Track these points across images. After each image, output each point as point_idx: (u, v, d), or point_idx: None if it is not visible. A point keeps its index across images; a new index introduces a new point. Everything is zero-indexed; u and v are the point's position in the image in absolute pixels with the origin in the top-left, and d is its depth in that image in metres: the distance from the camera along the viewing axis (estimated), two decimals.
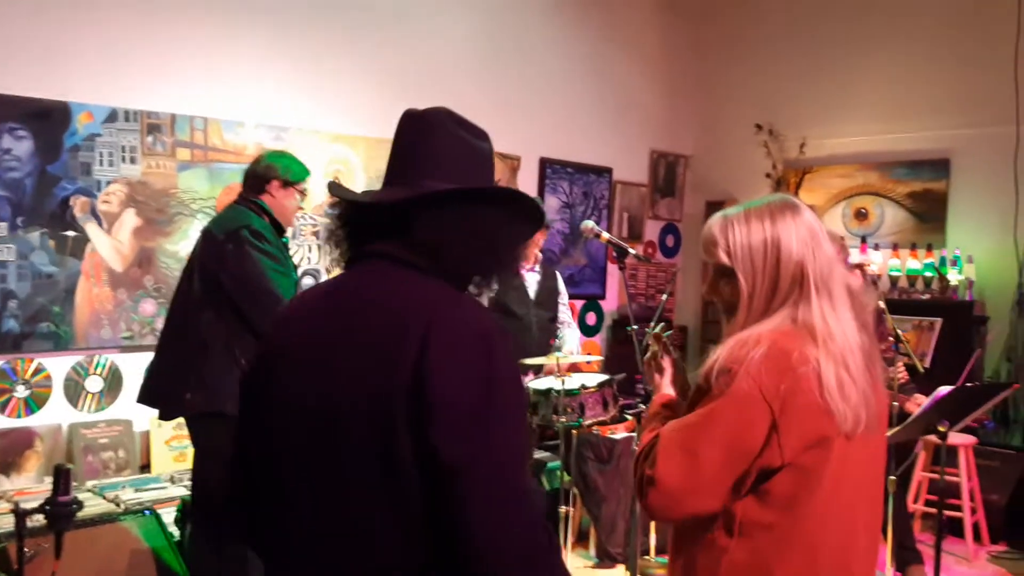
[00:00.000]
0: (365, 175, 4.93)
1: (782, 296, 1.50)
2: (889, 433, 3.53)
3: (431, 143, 1.33)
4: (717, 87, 6.90)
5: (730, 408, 1.43)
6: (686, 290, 7.06)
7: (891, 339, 4.16)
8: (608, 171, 6.49)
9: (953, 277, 5.45)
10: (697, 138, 7.02)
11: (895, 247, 5.79)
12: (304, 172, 3.30)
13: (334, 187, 1.38)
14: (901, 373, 4.23)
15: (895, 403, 4.12)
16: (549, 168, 6.05)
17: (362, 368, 1.18)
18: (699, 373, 1.50)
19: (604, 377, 3.96)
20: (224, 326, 3.03)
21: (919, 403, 3.86)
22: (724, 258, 1.53)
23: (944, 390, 3.23)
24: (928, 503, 4.74)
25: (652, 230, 6.96)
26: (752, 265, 1.51)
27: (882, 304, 4.28)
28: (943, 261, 5.53)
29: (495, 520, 1.13)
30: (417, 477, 1.13)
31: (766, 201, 1.57)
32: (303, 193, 3.31)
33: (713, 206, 6.89)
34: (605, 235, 3.57)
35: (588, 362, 4.62)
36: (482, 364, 1.16)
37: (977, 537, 4.65)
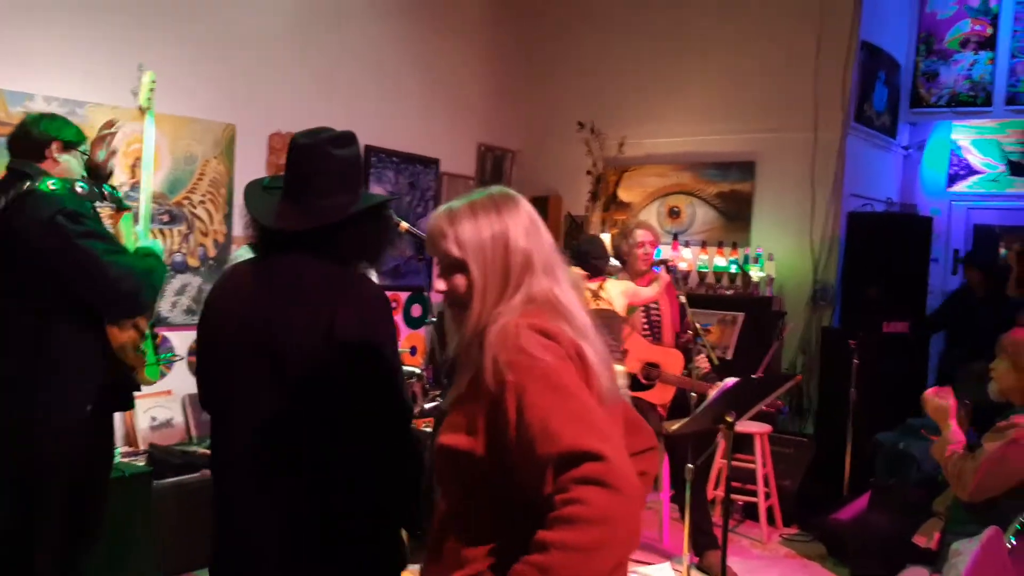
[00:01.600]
0: (171, 156, 4.65)
1: (514, 284, 1.53)
2: (677, 426, 3.68)
3: (315, 168, 1.86)
4: (544, 84, 6.99)
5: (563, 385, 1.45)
6: None
7: (690, 333, 4.34)
8: (435, 162, 6.45)
9: (755, 274, 5.75)
10: (524, 133, 7.08)
11: (704, 244, 6.05)
12: (81, 133, 3.06)
13: (251, 205, 1.91)
14: (703, 363, 4.42)
15: (694, 392, 4.31)
16: (374, 156, 5.94)
17: (299, 322, 1.77)
18: (478, 377, 1.46)
19: (412, 370, 3.92)
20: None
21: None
22: (455, 251, 1.54)
23: (730, 382, 3.37)
24: (728, 489, 4.97)
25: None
26: (484, 257, 1.53)
27: (683, 299, 4.47)
28: (747, 259, 5.82)
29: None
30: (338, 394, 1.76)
31: (487, 194, 1.60)
32: (85, 154, 3.06)
33: (538, 201, 6.98)
34: (404, 224, 3.52)
35: (411, 354, 4.57)
36: (373, 315, 1.85)
37: (771, 521, 4.92)
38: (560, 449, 1.33)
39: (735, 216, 6.12)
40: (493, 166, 7.04)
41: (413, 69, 6.20)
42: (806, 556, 4.61)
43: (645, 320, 4.54)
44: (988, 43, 6.38)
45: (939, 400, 3.27)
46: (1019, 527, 2.38)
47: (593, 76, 6.72)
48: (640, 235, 4.59)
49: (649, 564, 4.31)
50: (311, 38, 5.46)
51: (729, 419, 3.43)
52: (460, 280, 1.55)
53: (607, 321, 3.99)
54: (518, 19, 7.00)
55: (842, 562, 4.26)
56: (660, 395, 4.42)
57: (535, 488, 1.35)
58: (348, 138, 1.91)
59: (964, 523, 2.98)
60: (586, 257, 4.28)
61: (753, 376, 3.69)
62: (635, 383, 4.35)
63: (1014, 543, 2.23)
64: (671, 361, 4.43)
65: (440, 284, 1.57)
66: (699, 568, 4.11)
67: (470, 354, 1.52)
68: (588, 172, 6.59)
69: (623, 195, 6.60)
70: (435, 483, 1.55)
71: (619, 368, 4.03)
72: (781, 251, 5.85)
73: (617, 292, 4.28)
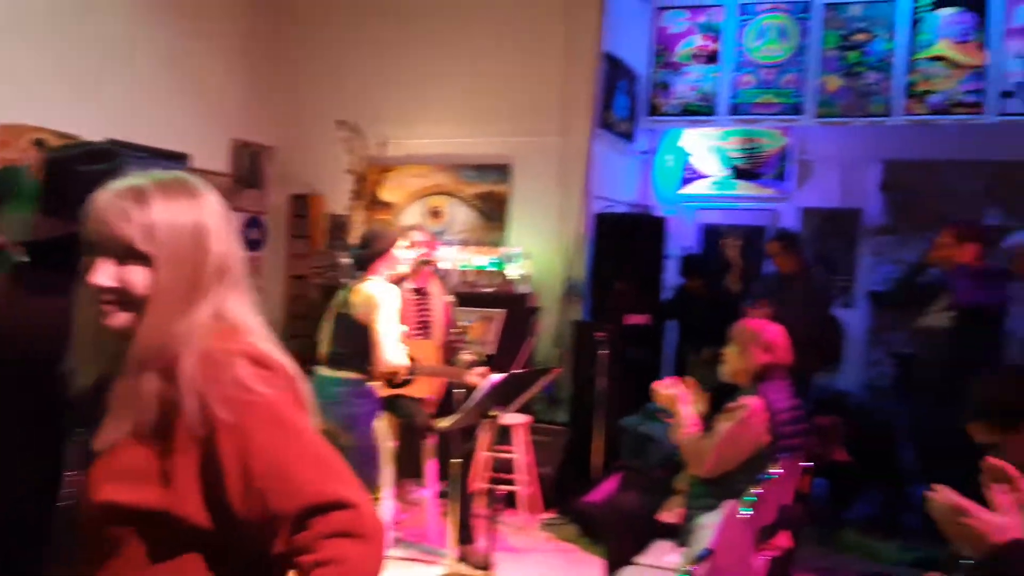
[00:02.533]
0: None
1: (203, 293, 1.25)
2: (447, 423, 3.78)
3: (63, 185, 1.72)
4: (302, 80, 6.84)
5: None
6: (271, 284, 6.91)
7: (456, 331, 4.46)
8: (185, 158, 6.12)
9: (513, 272, 5.99)
10: (282, 130, 6.89)
11: (464, 244, 6.21)
12: None
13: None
14: (471, 357, 4.54)
15: (453, 382, 4.42)
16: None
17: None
18: (169, 416, 1.19)
19: None
20: None
21: (481, 374, 4.17)
22: (140, 240, 1.22)
23: (496, 378, 3.51)
24: (491, 480, 5.15)
25: (235, 222, 6.69)
26: (178, 253, 1.24)
27: (449, 298, 4.57)
28: (504, 257, 6.05)
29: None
30: None
31: (175, 177, 1.31)
32: None
33: (299, 199, 6.83)
34: None
35: None
36: None
37: (532, 507, 5.15)
38: (304, 502, 1.15)
39: (493, 216, 6.33)
40: (250, 162, 6.79)
41: (160, 58, 5.86)
42: (563, 539, 4.87)
43: (417, 319, 4.59)
44: (713, 57, 7.03)
45: (667, 390, 3.58)
46: (750, 498, 2.69)
47: (354, 74, 6.67)
48: (414, 236, 4.64)
49: (418, 561, 4.38)
50: (55, 27, 5.02)
51: (495, 413, 3.58)
52: (137, 276, 1.22)
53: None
54: (274, 11, 6.80)
55: (596, 542, 4.54)
56: (421, 389, 4.50)
57: (265, 544, 1.17)
58: (103, 154, 1.77)
59: (702, 498, 3.30)
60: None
61: (516, 371, 3.86)
62: (394, 379, 4.39)
63: (747, 514, 2.52)
64: (425, 353, 4.51)
65: (102, 276, 1.22)
66: (464, 561, 4.22)
67: (141, 381, 1.20)
68: (350, 171, 6.54)
69: (385, 195, 6.62)
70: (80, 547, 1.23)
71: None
72: (536, 249, 6.13)
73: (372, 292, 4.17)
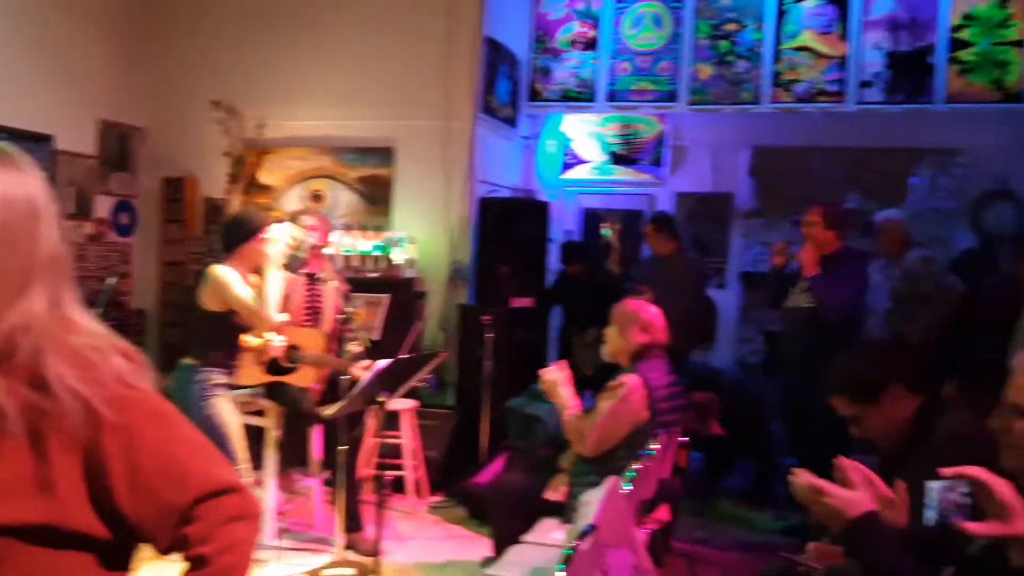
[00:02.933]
0: None
1: (37, 275, 1.13)
2: (332, 410, 3.76)
3: None
4: (175, 58, 6.58)
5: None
6: (144, 271, 6.66)
7: (344, 317, 4.41)
8: (48, 139, 5.81)
9: (397, 256, 5.97)
10: (153, 110, 6.62)
11: (347, 228, 6.14)
12: None
13: None
14: (356, 347, 4.51)
15: (339, 371, 4.39)
16: None
17: None
18: (37, 423, 1.08)
19: None
20: None
21: (365, 367, 4.14)
22: None
23: (382, 364, 3.51)
24: (378, 466, 5.14)
25: (104, 206, 6.41)
26: (9, 226, 1.11)
27: (341, 285, 4.52)
28: (389, 242, 6.02)
29: None
30: None
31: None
32: None
33: (173, 183, 6.60)
34: None
35: None
36: None
37: (419, 492, 5.18)
38: (196, 491, 1.13)
39: (377, 200, 6.28)
40: (119, 144, 6.50)
41: (20, 33, 5.52)
42: (451, 521, 4.92)
43: (307, 305, 4.52)
44: (592, 44, 7.16)
45: (550, 375, 3.67)
46: (631, 474, 2.80)
47: (230, 52, 6.46)
48: (306, 220, 4.57)
49: (305, 551, 4.34)
50: None
51: (382, 399, 3.58)
52: None
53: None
54: None
55: (483, 522, 4.60)
56: (306, 377, 4.44)
57: (154, 541, 1.15)
58: None
59: (586, 475, 3.40)
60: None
61: (402, 356, 3.86)
62: (277, 367, 4.32)
63: (629, 489, 2.62)
64: (311, 342, 4.46)
65: None
66: (351, 548, 4.21)
67: None
68: (226, 153, 6.35)
69: (264, 178, 6.46)
70: None
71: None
72: (421, 234, 6.12)
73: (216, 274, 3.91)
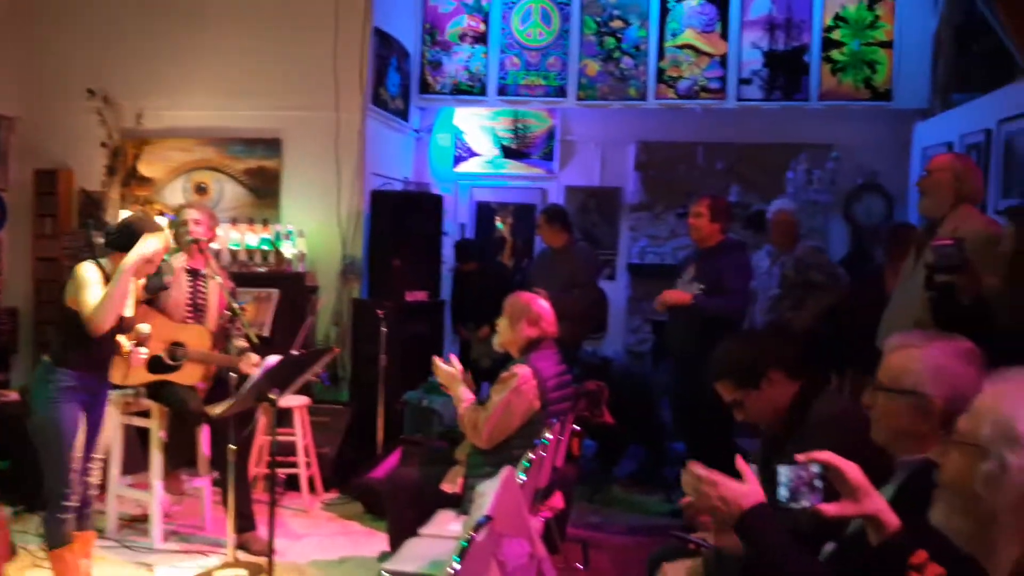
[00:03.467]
0: None
1: None
2: (221, 408, 3.66)
3: None
4: (47, 45, 6.26)
5: None
6: (14, 268, 6.31)
7: (228, 313, 4.30)
8: None
9: (287, 250, 5.85)
10: (25, 99, 6.27)
11: (234, 222, 5.98)
12: None
13: None
14: (243, 343, 4.39)
15: (226, 368, 4.28)
16: None
17: None
18: None
19: None
20: None
21: (255, 363, 4.05)
22: None
23: (272, 360, 3.44)
24: (270, 464, 5.04)
25: None
26: None
27: (225, 280, 4.39)
28: (278, 235, 5.90)
29: None
30: None
31: None
32: None
33: (46, 175, 6.28)
34: None
35: None
36: None
37: (313, 489, 5.11)
38: None
39: (264, 193, 6.14)
40: None
41: None
42: (347, 517, 4.87)
43: (190, 301, 4.38)
44: (482, 38, 7.19)
45: (445, 367, 3.69)
46: (526, 463, 2.84)
47: (106, 39, 6.19)
48: (190, 214, 4.41)
49: (195, 554, 4.23)
50: None
51: (272, 396, 3.51)
52: None
53: None
54: None
55: (379, 517, 4.58)
56: (192, 375, 4.32)
57: None
58: None
59: (481, 467, 3.44)
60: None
61: (293, 353, 3.80)
62: (161, 365, 4.19)
63: (524, 478, 2.66)
64: (196, 338, 4.34)
65: None
66: (243, 549, 4.12)
67: None
68: (103, 144, 6.08)
69: (144, 170, 6.22)
70: None
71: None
72: (311, 227, 6.02)
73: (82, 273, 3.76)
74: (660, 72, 6.85)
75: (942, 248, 3.08)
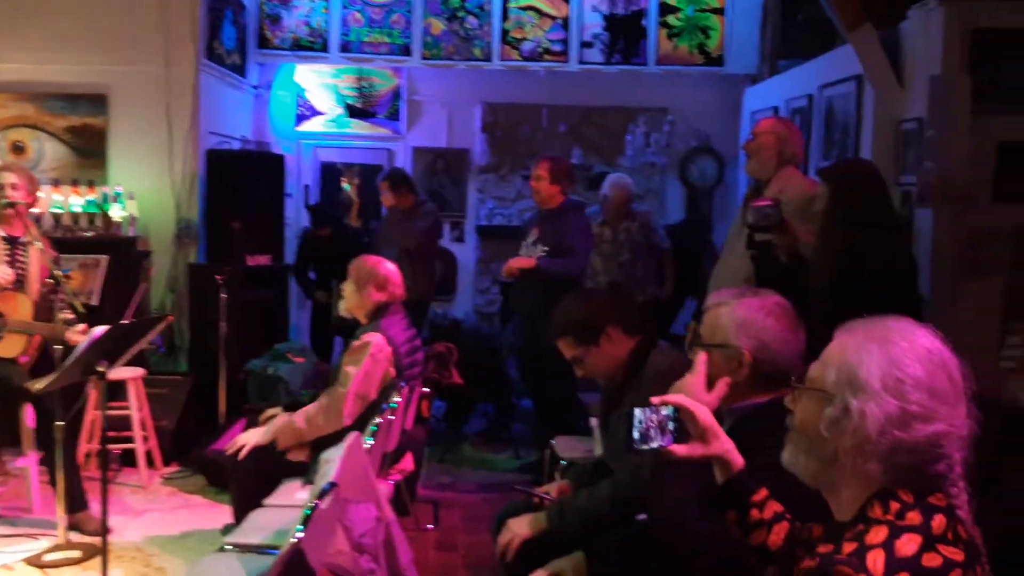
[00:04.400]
0: None
1: None
2: (44, 383, 3.45)
3: None
4: None
5: None
6: None
7: (52, 282, 4.03)
8: None
9: (116, 213, 5.52)
10: None
11: (56, 183, 5.58)
12: None
13: None
14: (68, 314, 4.14)
15: (50, 339, 4.03)
16: None
17: None
18: None
19: None
20: None
21: (81, 332, 3.84)
22: None
23: (99, 330, 3.26)
24: (103, 440, 4.79)
25: None
26: None
27: (40, 247, 4.11)
28: (105, 198, 5.55)
29: None
30: None
31: None
32: None
33: None
34: None
35: None
36: None
37: (152, 463, 4.90)
38: None
39: (89, 153, 5.76)
40: None
41: None
42: (188, 491, 4.71)
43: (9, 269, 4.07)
44: None
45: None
46: (374, 428, 2.83)
47: None
48: (5, 176, 4.07)
49: (23, 537, 3.99)
50: None
51: (101, 369, 3.33)
52: None
53: None
54: None
55: (223, 490, 4.46)
56: (12, 347, 4.04)
57: None
58: None
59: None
60: None
61: (123, 322, 3.61)
62: None
63: (371, 443, 2.65)
64: (16, 309, 4.05)
65: None
66: (75, 530, 3.92)
67: None
68: None
69: None
70: None
71: None
72: (142, 189, 5.69)
73: None
74: (504, 33, 6.86)
75: (760, 208, 3.27)
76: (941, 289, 3.89)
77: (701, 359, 1.86)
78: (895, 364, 1.31)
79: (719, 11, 6.85)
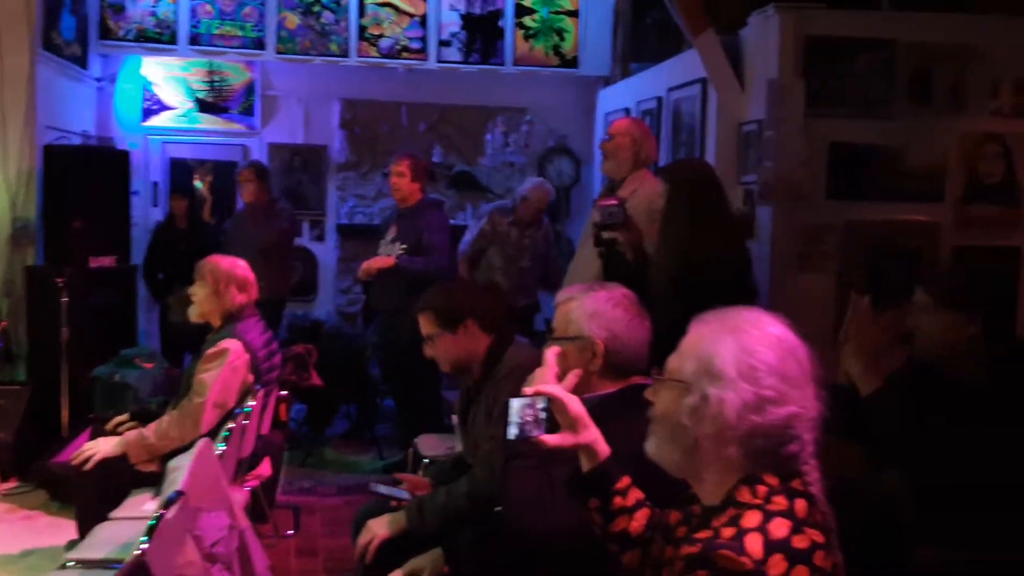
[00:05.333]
0: None
1: None
2: None
3: None
4: None
5: None
6: None
7: None
8: None
9: None
10: None
11: None
12: None
13: None
14: None
15: None
16: None
17: None
18: None
19: None
20: None
21: None
22: None
23: None
24: None
25: None
26: None
27: None
28: None
29: None
30: None
31: None
32: None
33: None
34: None
35: None
36: None
37: None
38: None
39: None
40: None
41: None
42: (29, 507, 4.45)
43: None
44: None
45: None
46: (226, 433, 2.75)
47: None
48: None
49: None
50: None
51: None
52: None
53: None
54: None
55: (67, 504, 4.23)
56: None
57: None
58: None
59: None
60: None
61: None
62: None
63: (223, 449, 2.58)
64: None
65: None
66: None
67: None
68: None
69: None
70: None
71: None
72: None
73: None
74: (362, 29, 6.78)
75: (606, 207, 3.41)
76: (780, 280, 4.13)
77: (552, 352, 1.91)
78: (748, 352, 1.37)
79: (573, 13, 7.01)
